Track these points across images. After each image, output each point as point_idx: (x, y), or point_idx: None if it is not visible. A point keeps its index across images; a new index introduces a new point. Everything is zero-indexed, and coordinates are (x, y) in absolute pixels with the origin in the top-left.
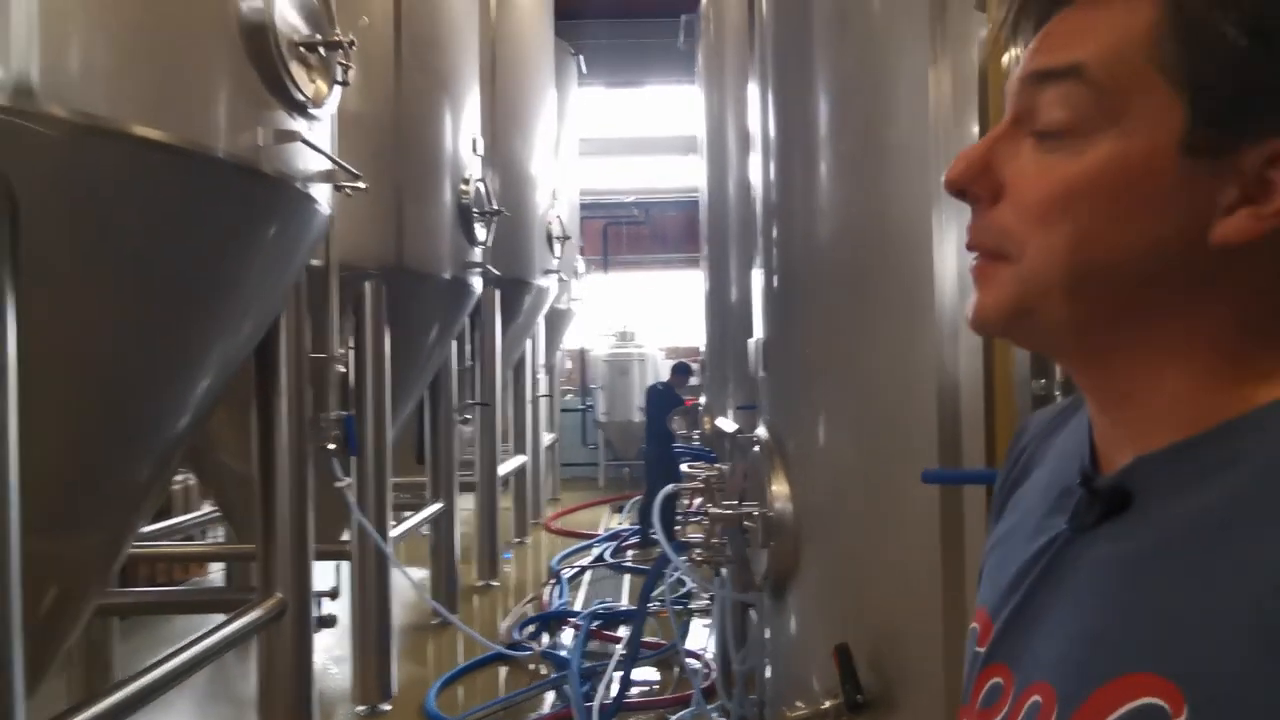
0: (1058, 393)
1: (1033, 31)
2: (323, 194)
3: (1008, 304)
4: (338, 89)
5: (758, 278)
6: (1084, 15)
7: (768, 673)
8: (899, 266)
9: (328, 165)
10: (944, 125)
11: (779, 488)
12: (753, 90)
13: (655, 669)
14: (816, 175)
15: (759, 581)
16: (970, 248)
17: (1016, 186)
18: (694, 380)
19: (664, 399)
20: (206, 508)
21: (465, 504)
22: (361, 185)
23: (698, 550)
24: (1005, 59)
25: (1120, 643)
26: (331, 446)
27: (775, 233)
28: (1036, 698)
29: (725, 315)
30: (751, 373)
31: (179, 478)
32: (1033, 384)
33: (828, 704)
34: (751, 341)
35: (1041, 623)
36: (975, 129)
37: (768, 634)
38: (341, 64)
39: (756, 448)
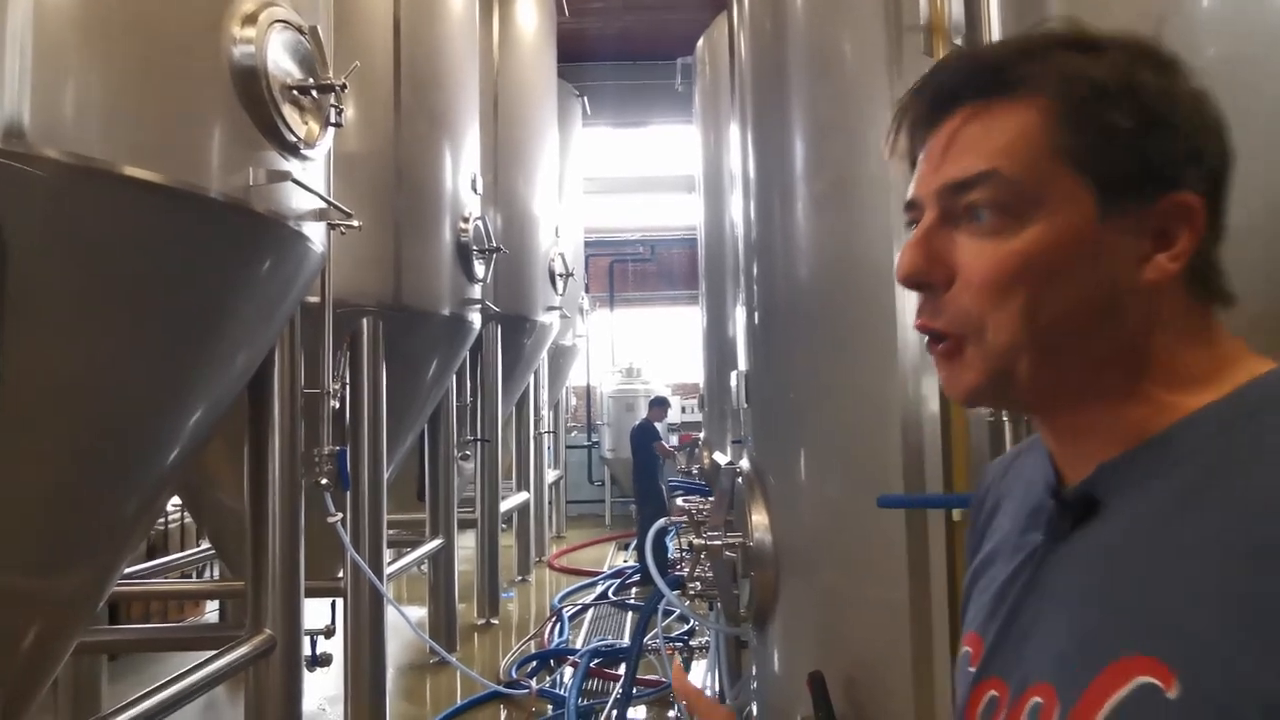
0: (1005, 418)
1: (921, 140)
2: (316, 232)
3: (983, 379)
4: (331, 130)
5: (740, 313)
6: (977, 127)
7: (756, 708)
8: (867, 303)
9: (320, 204)
10: (900, 168)
11: (759, 518)
12: (733, 131)
13: (654, 707)
14: (793, 214)
15: (743, 612)
16: (923, 329)
17: (968, 269)
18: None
19: (645, 434)
20: (203, 545)
21: (468, 541)
22: (355, 224)
23: (692, 585)
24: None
25: (1107, 631)
26: (324, 481)
27: (755, 270)
28: (1037, 699)
29: (723, 350)
30: (734, 405)
31: (174, 515)
32: (987, 416)
33: None
34: (734, 374)
35: (1033, 631)
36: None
37: (754, 667)
38: (334, 106)
39: (739, 479)
